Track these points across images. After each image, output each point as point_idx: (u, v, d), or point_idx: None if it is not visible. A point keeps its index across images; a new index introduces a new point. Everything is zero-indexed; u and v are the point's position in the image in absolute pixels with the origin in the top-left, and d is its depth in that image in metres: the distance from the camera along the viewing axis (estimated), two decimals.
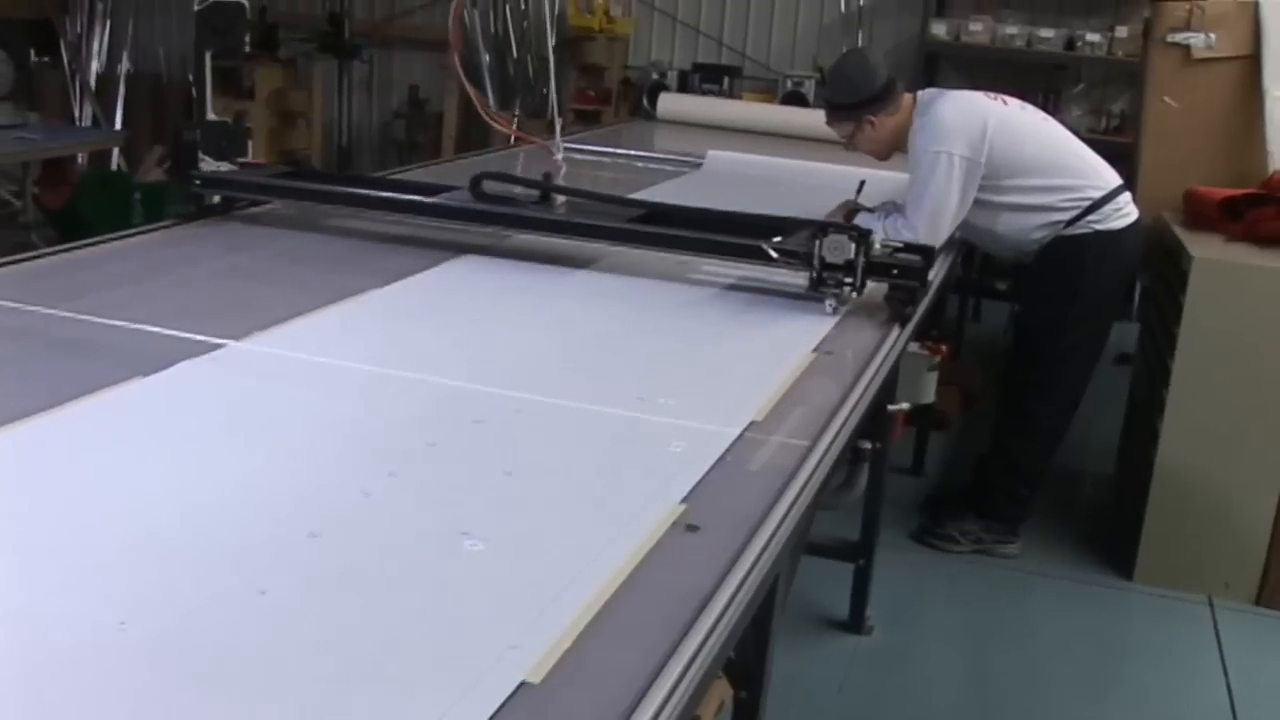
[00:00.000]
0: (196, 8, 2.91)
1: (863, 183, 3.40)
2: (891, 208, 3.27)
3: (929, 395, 3.05)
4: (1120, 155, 3.82)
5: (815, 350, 2.26)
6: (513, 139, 4.58)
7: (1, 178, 6.63)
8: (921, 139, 3.24)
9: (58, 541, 1.36)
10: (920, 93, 3.39)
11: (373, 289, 2.43)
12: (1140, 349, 4.27)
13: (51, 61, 7.70)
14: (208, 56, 3.00)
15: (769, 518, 1.52)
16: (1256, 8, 3.96)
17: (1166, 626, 3.42)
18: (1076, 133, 3.59)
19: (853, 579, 3.23)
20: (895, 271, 2.49)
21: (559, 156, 3.81)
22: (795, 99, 6.39)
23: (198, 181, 2.92)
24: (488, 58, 7.32)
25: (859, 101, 3.30)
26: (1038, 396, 3.59)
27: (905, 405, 2.73)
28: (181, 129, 2.96)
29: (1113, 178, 3.44)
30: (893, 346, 2.37)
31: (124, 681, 1.11)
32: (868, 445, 2.55)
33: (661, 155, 4.71)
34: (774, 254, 2.52)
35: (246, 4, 2.97)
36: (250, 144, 3.05)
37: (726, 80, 6.74)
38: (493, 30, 7.40)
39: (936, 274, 2.84)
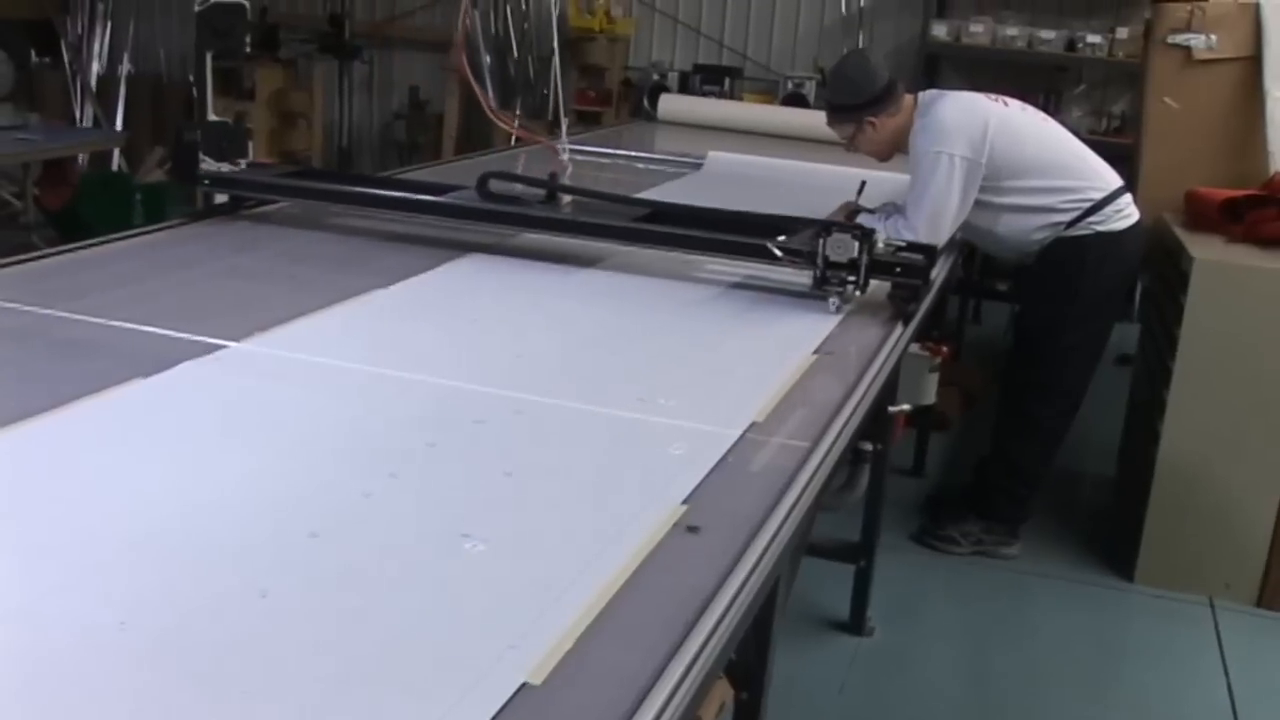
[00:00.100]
0: (197, 8, 2.91)
1: (863, 184, 3.40)
2: (892, 209, 3.27)
3: (930, 396, 3.05)
4: (1121, 156, 3.82)
5: (817, 351, 2.26)
6: (514, 139, 4.58)
7: (2, 178, 6.63)
8: (922, 140, 3.24)
9: (59, 541, 1.36)
10: (921, 94, 3.39)
11: (375, 289, 2.43)
12: (1141, 350, 4.27)
13: (52, 62, 7.70)
14: (208, 57, 2.99)
15: (770, 519, 1.52)
16: (1257, 9, 3.96)
17: (1167, 627, 3.42)
18: (1077, 134, 3.59)
19: (853, 580, 3.23)
20: (898, 270, 2.51)
21: (565, 156, 3.81)
22: (796, 100, 6.39)
23: (206, 181, 2.92)
24: (488, 58, 7.32)
25: (860, 103, 3.30)
26: (1038, 398, 3.59)
27: (906, 406, 2.73)
28: (182, 130, 2.96)
29: (1113, 179, 3.44)
30: (894, 347, 2.37)
31: (124, 682, 1.11)
32: (868, 446, 2.55)
33: (662, 156, 4.71)
34: (778, 252, 2.53)
35: (247, 5, 2.97)
36: (251, 145, 3.05)
37: (727, 81, 6.73)
38: (493, 31, 7.40)
39: (938, 273, 2.85)
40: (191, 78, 4.40)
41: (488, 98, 4.11)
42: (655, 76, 6.81)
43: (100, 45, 7.83)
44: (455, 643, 1.21)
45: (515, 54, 7.42)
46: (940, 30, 6.79)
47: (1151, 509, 3.54)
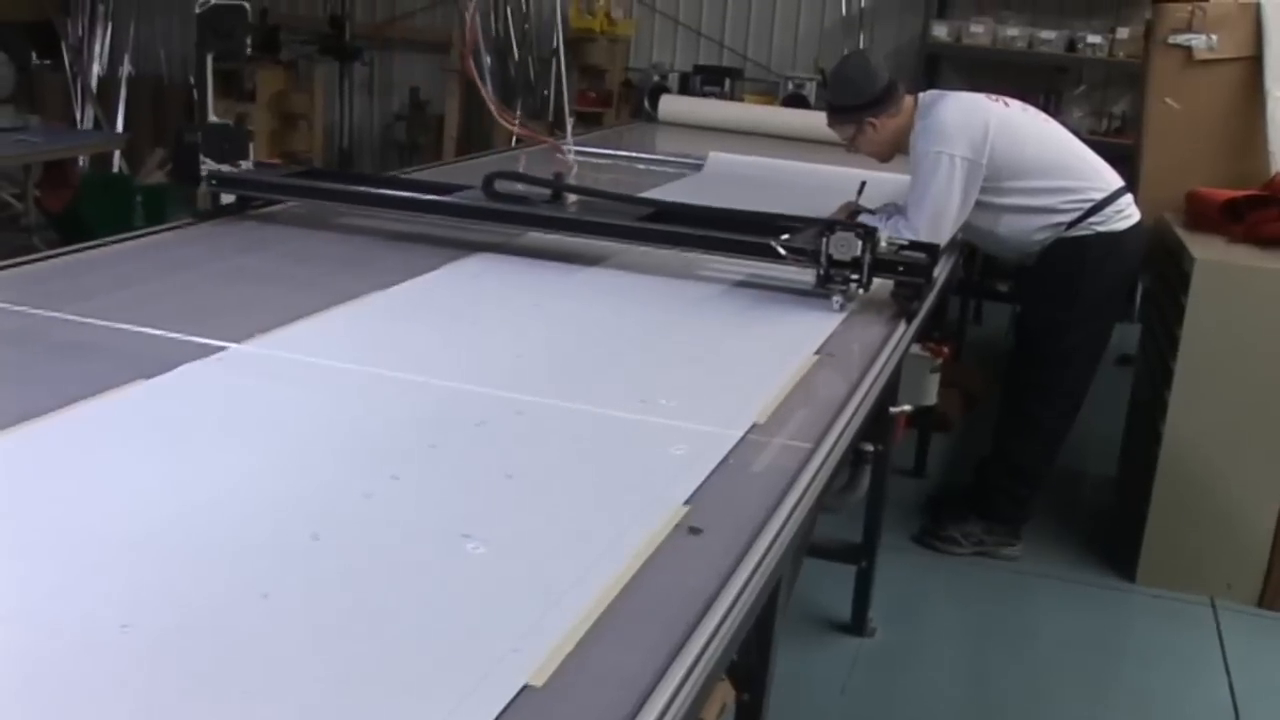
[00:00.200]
0: (198, 10, 2.91)
1: (863, 184, 3.40)
2: (893, 209, 3.27)
3: (931, 397, 3.05)
4: (1121, 157, 3.82)
5: (819, 351, 2.26)
6: (514, 140, 4.58)
7: (3, 180, 6.63)
8: (923, 141, 3.24)
9: (61, 543, 1.36)
10: (921, 94, 3.40)
11: (376, 290, 2.43)
12: (1142, 350, 4.27)
13: (53, 64, 7.71)
14: (209, 59, 2.99)
15: (771, 520, 1.52)
16: (1258, 9, 3.96)
17: (1169, 628, 3.42)
18: (1078, 134, 3.59)
19: (855, 581, 3.23)
20: (901, 268, 2.52)
21: (570, 156, 3.81)
22: (796, 101, 6.39)
23: (213, 181, 2.93)
24: (488, 59, 7.32)
25: (860, 104, 3.30)
26: (1039, 398, 3.58)
27: (907, 407, 2.73)
28: (183, 131, 2.96)
29: (1114, 179, 3.44)
30: (895, 347, 2.37)
31: (125, 682, 1.11)
32: (870, 447, 2.55)
33: (663, 157, 4.72)
34: (782, 251, 2.55)
35: (248, 6, 2.97)
36: (251, 146, 3.05)
37: (728, 82, 6.74)
38: (493, 32, 7.40)
39: (940, 273, 2.86)
40: (192, 79, 4.39)
41: (495, 99, 4.10)
42: (656, 77, 6.82)
43: (101, 47, 7.83)
44: (456, 644, 1.20)
45: (515, 55, 7.42)
46: (940, 31, 6.79)
47: (1153, 509, 3.54)
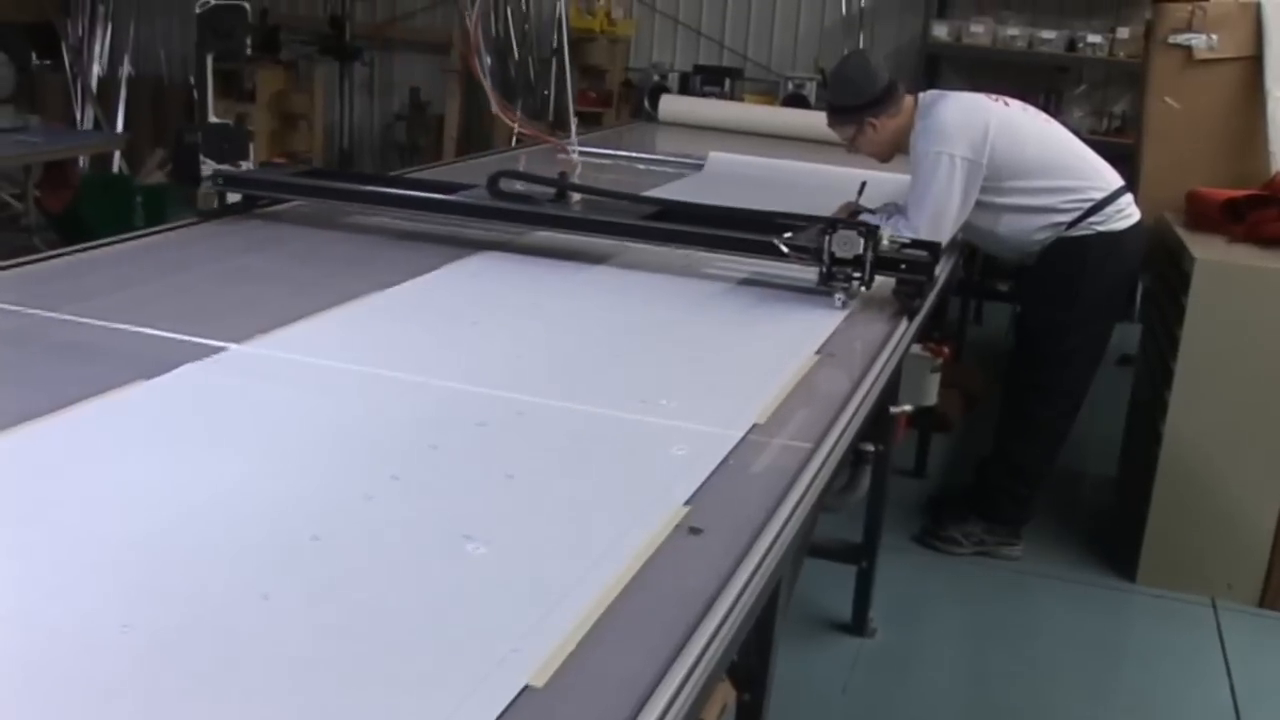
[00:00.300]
0: (198, 10, 2.91)
1: (864, 184, 3.40)
2: (893, 209, 3.27)
3: (931, 397, 3.05)
4: (1122, 156, 3.82)
5: (819, 351, 2.26)
6: (515, 140, 4.58)
7: (3, 180, 6.64)
8: (923, 141, 3.24)
9: (61, 544, 1.35)
10: (921, 94, 3.40)
11: (379, 290, 2.43)
12: (1142, 350, 4.27)
13: (53, 64, 7.71)
14: (209, 59, 2.99)
15: (772, 520, 1.52)
16: (1258, 9, 3.96)
17: (1169, 628, 3.42)
18: (1078, 134, 3.59)
19: (855, 581, 3.23)
20: (903, 266, 2.53)
21: (574, 155, 3.81)
22: (796, 101, 6.40)
23: (220, 180, 2.93)
24: (489, 60, 7.32)
25: (860, 104, 3.30)
26: (1039, 398, 3.58)
27: (907, 407, 2.73)
28: (183, 131, 2.96)
29: (1114, 179, 3.44)
30: (896, 347, 2.37)
31: (125, 683, 1.11)
32: (870, 447, 2.55)
33: (663, 157, 4.72)
34: (785, 249, 2.55)
35: (248, 6, 2.97)
36: (252, 146, 3.05)
37: (728, 82, 6.74)
38: (493, 33, 7.40)
39: (940, 272, 2.86)
40: (192, 79, 4.40)
41: (500, 98, 4.09)
42: (656, 77, 6.82)
43: (101, 47, 7.83)
44: (457, 645, 1.20)
45: (515, 55, 7.43)
46: (941, 31, 6.79)
47: (1153, 509, 3.54)
